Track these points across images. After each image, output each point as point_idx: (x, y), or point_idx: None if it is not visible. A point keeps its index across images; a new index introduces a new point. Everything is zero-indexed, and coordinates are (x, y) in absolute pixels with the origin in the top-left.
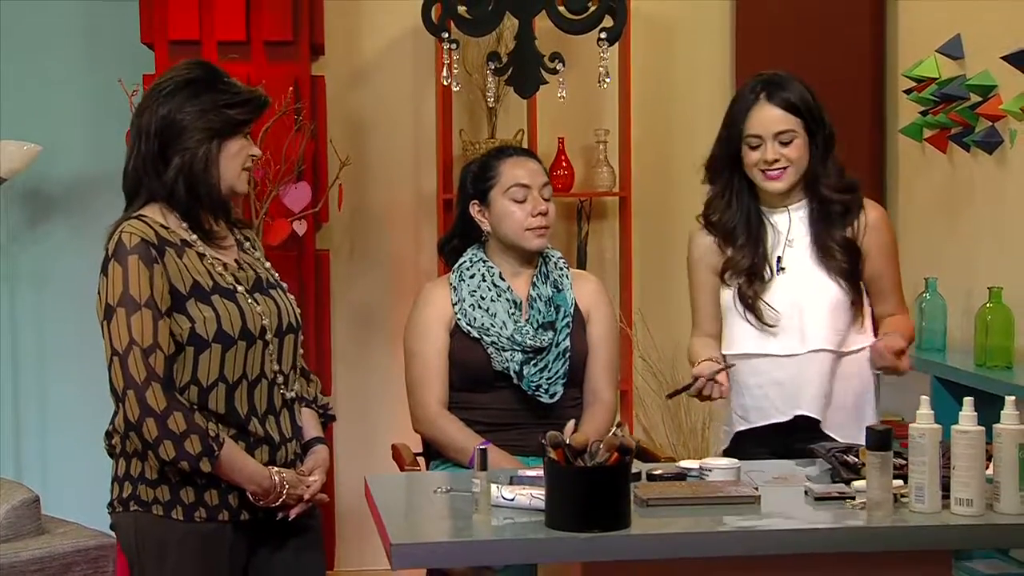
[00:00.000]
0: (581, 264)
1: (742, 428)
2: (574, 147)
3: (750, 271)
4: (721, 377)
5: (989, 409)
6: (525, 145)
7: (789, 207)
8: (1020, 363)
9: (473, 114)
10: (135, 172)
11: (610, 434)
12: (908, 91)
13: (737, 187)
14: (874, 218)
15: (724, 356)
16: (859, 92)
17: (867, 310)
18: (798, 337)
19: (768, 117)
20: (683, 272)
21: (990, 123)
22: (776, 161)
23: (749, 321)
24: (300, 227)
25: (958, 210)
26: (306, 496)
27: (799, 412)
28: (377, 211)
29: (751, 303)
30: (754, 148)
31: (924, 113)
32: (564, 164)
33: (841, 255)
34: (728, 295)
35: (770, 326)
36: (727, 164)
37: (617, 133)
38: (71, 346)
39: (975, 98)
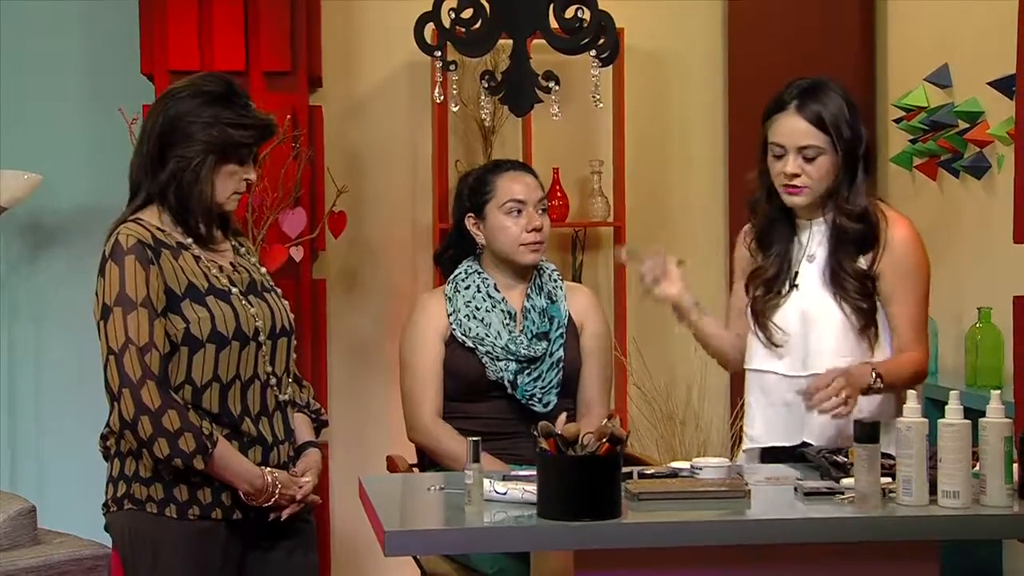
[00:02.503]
0: None
1: (750, 447)
2: (569, 178)
3: (769, 283)
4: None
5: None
6: None
7: (813, 220)
8: (1009, 383)
9: (469, 145)
10: (136, 169)
11: (601, 425)
12: (898, 120)
13: (771, 187)
14: (897, 237)
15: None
16: None
17: (885, 338)
18: (801, 359)
19: (794, 129)
20: None
21: (978, 149)
22: (797, 176)
23: (758, 337)
24: (297, 253)
25: (948, 235)
26: (298, 496)
27: (804, 439)
28: (373, 241)
29: (761, 320)
30: (777, 157)
31: (914, 141)
32: (559, 195)
33: (852, 285)
34: (748, 306)
35: (776, 346)
36: (764, 161)
37: (611, 164)
38: (69, 376)
39: (963, 124)
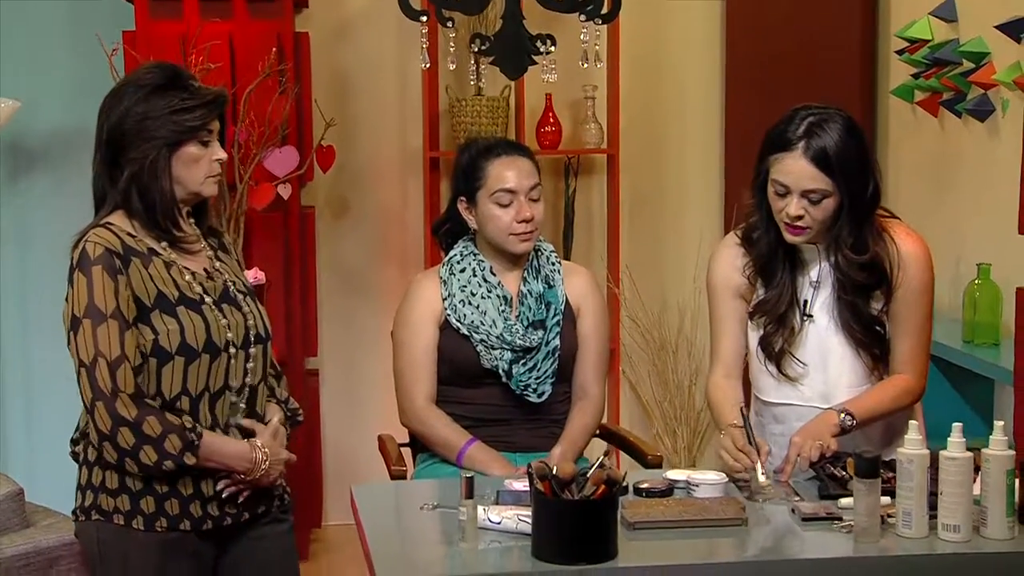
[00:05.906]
0: (569, 220)
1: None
2: (562, 103)
3: (782, 317)
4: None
5: (976, 387)
6: (512, 101)
7: (818, 245)
8: (1007, 338)
9: (459, 68)
10: (97, 180)
11: (597, 466)
12: (900, 51)
13: (771, 215)
14: (909, 255)
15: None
16: (850, 50)
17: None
18: (820, 392)
19: (799, 171)
20: (670, 229)
21: (982, 91)
22: (800, 218)
23: (769, 371)
24: (285, 191)
25: (948, 176)
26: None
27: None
28: (363, 167)
29: (775, 355)
30: (780, 195)
31: (916, 76)
32: (552, 121)
33: (862, 331)
34: (754, 338)
35: (792, 380)
36: (762, 188)
37: (605, 90)
38: (55, 305)
39: (968, 65)
